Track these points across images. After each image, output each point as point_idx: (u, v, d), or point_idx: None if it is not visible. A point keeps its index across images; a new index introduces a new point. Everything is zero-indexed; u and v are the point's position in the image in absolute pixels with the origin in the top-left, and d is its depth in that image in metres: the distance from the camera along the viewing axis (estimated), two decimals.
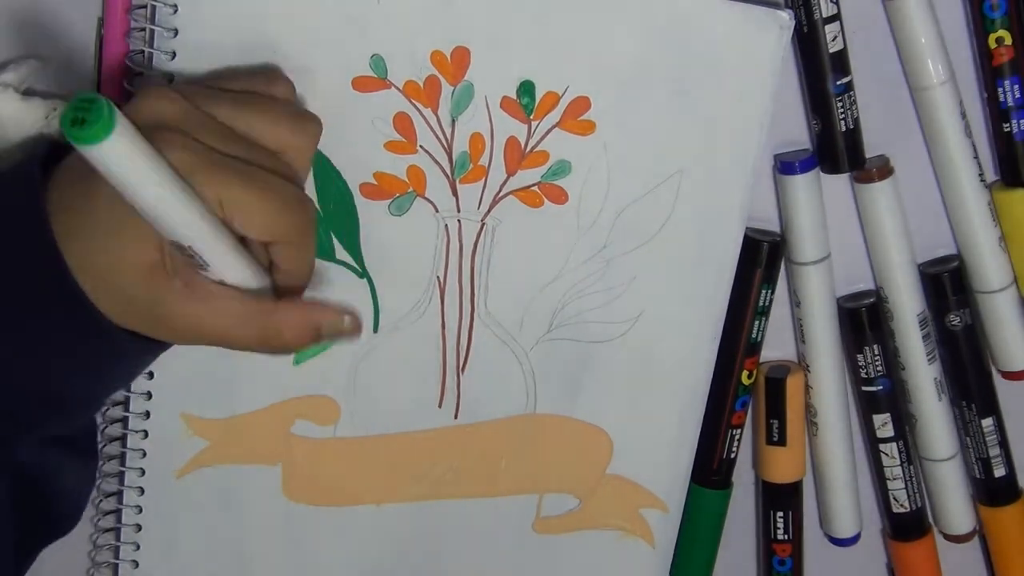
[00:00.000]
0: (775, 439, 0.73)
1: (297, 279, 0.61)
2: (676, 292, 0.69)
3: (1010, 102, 0.67)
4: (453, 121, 0.67)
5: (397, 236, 0.68)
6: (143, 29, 0.65)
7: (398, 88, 0.66)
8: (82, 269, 0.56)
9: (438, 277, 0.69)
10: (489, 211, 0.68)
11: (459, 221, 0.68)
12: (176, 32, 0.65)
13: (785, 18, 0.65)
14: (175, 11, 0.64)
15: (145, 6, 0.65)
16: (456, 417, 0.71)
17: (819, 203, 0.69)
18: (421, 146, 0.67)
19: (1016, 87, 0.67)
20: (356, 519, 0.73)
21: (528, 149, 0.67)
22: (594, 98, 0.66)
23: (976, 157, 0.68)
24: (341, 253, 0.68)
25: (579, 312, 0.70)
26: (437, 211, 0.68)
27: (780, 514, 0.74)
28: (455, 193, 0.68)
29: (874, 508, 0.76)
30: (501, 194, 0.68)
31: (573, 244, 0.68)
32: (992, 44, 0.66)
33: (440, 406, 0.71)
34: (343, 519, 0.73)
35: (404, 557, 0.74)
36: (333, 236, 0.68)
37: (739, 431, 0.73)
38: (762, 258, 0.69)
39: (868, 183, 0.69)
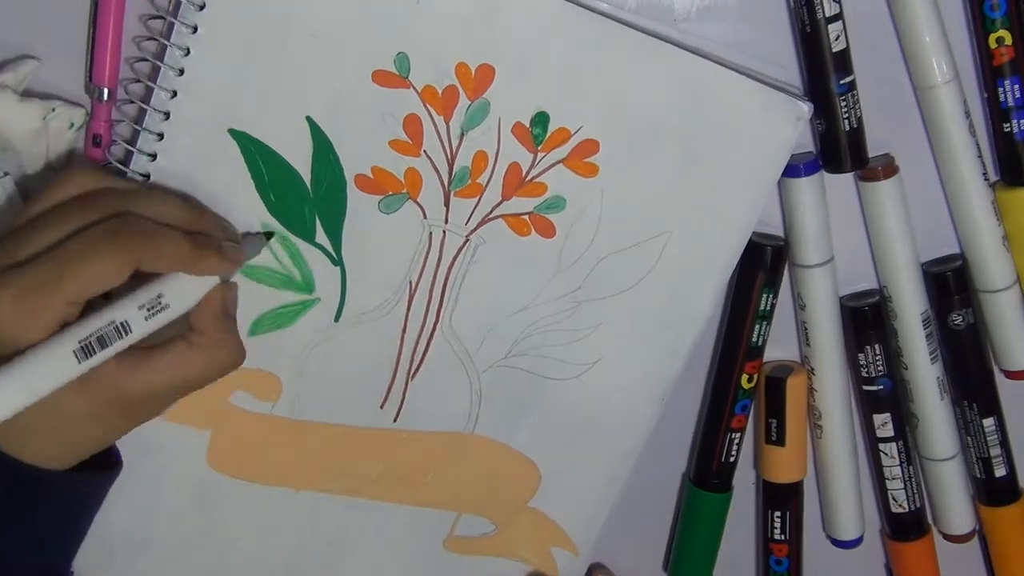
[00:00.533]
0: (773, 439, 0.73)
1: (196, 269, 0.61)
2: (636, 348, 0.70)
3: (1010, 102, 0.67)
4: (462, 134, 0.67)
5: (380, 233, 0.68)
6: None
7: (416, 90, 0.66)
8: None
9: (410, 281, 0.69)
10: (476, 229, 0.68)
11: (444, 232, 0.68)
12: (204, 6, 0.65)
13: (804, 110, 0.66)
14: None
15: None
16: (395, 421, 0.71)
17: (823, 205, 0.69)
18: (425, 151, 0.67)
19: (1016, 87, 0.67)
20: (271, 499, 0.73)
21: (528, 178, 0.68)
22: (603, 143, 0.67)
23: (980, 156, 0.68)
24: (321, 237, 0.68)
25: (539, 346, 0.70)
26: (425, 217, 0.68)
27: (778, 514, 0.75)
28: (447, 204, 0.68)
29: (874, 508, 0.77)
30: (491, 215, 0.68)
31: (549, 279, 0.69)
32: (992, 44, 0.67)
33: (382, 407, 0.71)
34: (257, 495, 0.73)
35: (309, 546, 0.74)
36: (317, 218, 0.67)
37: (739, 435, 0.73)
38: (765, 262, 0.70)
39: (873, 182, 0.69)
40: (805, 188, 0.69)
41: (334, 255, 0.68)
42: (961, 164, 0.68)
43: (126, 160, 0.67)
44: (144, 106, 0.66)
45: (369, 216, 0.68)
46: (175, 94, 0.66)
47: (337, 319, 0.69)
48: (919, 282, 0.71)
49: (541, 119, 0.66)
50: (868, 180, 0.69)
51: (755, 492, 0.77)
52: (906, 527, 0.75)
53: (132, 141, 0.67)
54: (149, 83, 0.66)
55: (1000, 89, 0.67)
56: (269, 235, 0.67)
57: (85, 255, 0.57)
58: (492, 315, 0.70)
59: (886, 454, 0.73)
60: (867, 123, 0.68)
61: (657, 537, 0.78)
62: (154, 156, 0.66)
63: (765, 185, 0.68)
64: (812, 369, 0.72)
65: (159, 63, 0.66)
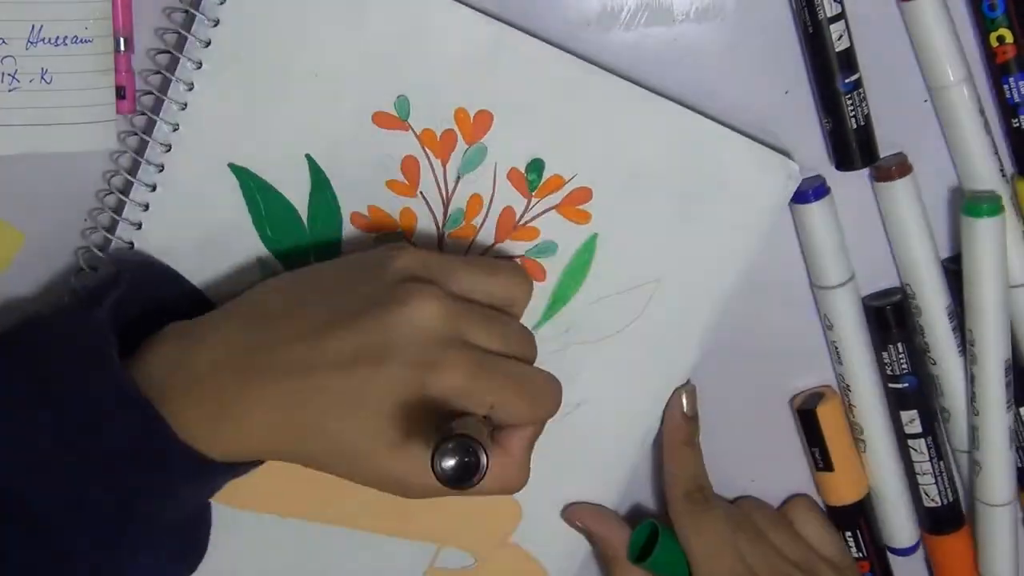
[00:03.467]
0: (821, 466, 0.74)
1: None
2: (620, 393, 0.71)
3: (1016, 98, 0.67)
4: (458, 177, 0.68)
5: None
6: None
7: (415, 133, 0.67)
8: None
9: None
10: None
11: None
12: (209, 43, 0.66)
13: (795, 169, 0.66)
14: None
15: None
16: None
17: (837, 226, 0.70)
18: (421, 192, 0.68)
19: (1021, 83, 0.67)
20: (259, 524, 0.74)
21: (520, 222, 0.68)
22: (596, 191, 0.68)
23: (996, 153, 0.68)
24: None
25: None
26: None
27: (849, 534, 0.76)
28: (441, 245, 0.69)
29: None
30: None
31: (538, 322, 0.70)
32: (994, 43, 0.67)
33: None
34: (244, 521, 0.74)
35: (292, 572, 0.75)
36: (312, 254, 0.69)
37: None
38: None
39: (888, 181, 0.69)
40: (816, 212, 0.69)
41: None
42: (976, 162, 0.68)
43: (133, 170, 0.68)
44: (154, 117, 0.67)
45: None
46: (177, 127, 0.67)
47: None
48: (941, 278, 0.70)
49: (536, 166, 0.67)
50: (883, 180, 0.69)
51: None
52: (940, 521, 0.75)
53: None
54: (152, 115, 0.67)
55: (1006, 86, 0.67)
56: None
57: (533, 399, 0.62)
58: None
59: (915, 450, 0.73)
60: (879, 122, 0.68)
61: None
62: (153, 187, 0.68)
63: (755, 240, 0.68)
64: (848, 386, 0.72)
65: (163, 96, 0.67)
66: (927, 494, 0.74)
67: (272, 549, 0.74)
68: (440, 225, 0.68)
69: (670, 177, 0.67)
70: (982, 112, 0.67)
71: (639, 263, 0.69)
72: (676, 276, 0.69)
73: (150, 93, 0.68)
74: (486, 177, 0.68)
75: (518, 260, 0.69)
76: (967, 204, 0.68)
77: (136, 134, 0.68)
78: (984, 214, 0.67)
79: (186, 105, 0.67)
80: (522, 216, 0.68)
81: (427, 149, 0.67)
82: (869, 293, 0.72)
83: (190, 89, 0.67)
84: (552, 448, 0.71)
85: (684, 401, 0.71)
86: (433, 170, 0.68)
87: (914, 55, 0.68)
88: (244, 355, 0.59)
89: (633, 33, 0.68)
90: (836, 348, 0.72)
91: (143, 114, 0.68)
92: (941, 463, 0.74)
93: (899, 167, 0.69)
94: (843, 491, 0.75)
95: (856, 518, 0.75)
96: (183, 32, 0.66)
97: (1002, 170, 0.69)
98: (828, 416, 0.73)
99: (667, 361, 0.70)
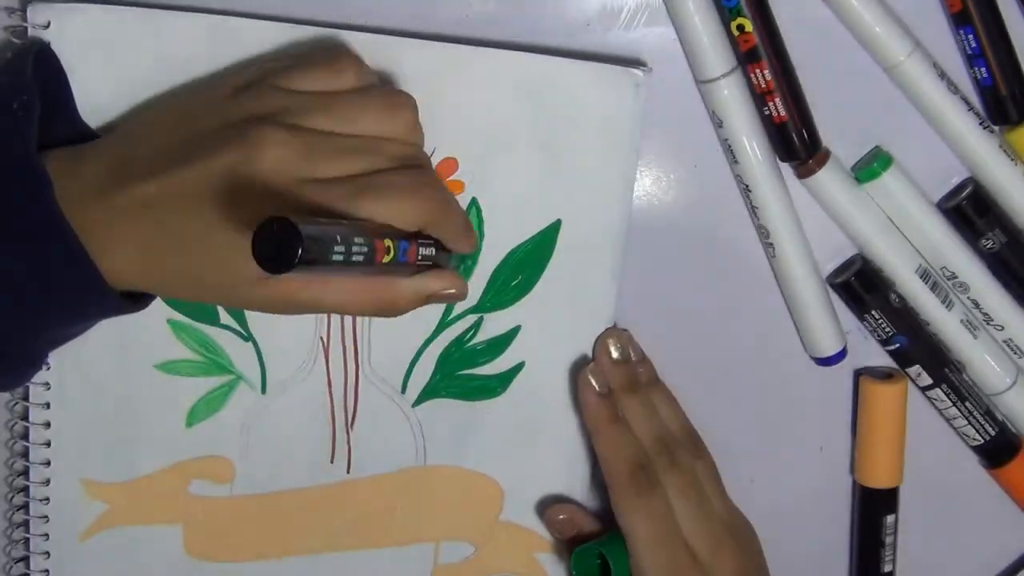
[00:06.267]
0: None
1: (456, 247, 0.65)
2: (555, 339, 0.70)
3: (968, 51, 0.68)
4: None
5: None
6: None
7: None
8: (177, 277, 0.60)
9: (321, 337, 0.71)
10: None
11: None
12: None
13: (639, 75, 0.66)
14: None
15: None
16: (348, 471, 0.72)
17: (712, 12, 0.66)
18: None
19: (971, 36, 0.68)
20: (258, 573, 0.74)
21: None
22: (461, 159, 0.68)
23: (971, 109, 0.68)
24: (226, 318, 0.70)
25: (462, 367, 0.71)
26: None
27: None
28: None
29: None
30: None
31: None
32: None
33: (332, 461, 0.72)
34: (245, 573, 0.74)
35: None
36: None
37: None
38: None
39: (810, 176, 0.69)
40: None
41: (243, 332, 0.70)
42: (956, 121, 0.68)
43: None
44: None
45: None
46: None
47: (264, 391, 0.71)
48: (901, 242, 0.70)
49: None
50: (804, 177, 0.69)
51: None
52: (992, 454, 0.74)
53: None
54: None
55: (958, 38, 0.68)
56: None
57: (393, 195, 0.59)
58: (408, 347, 0.71)
59: (936, 400, 0.72)
60: (852, 111, 0.69)
61: None
62: None
63: (629, 157, 0.68)
64: (747, 186, 0.69)
65: None
66: (967, 435, 0.73)
67: None
68: None
69: (523, 122, 0.67)
70: (943, 76, 0.68)
71: (529, 212, 0.69)
72: (572, 213, 0.69)
73: None
74: None
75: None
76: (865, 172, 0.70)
77: None
78: (882, 169, 0.69)
79: None
80: None
81: None
82: (830, 271, 0.72)
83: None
84: (510, 415, 0.71)
85: (612, 347, 0.70)
86: None
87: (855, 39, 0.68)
88: (108, 193, 0.59)
89: (633, 33, 0.68)
90: (730, 146, 0.68)
91: None
92: (967, 404, 0.72)
93: (818, 159, 0.69)
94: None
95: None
96: None
97: (983, 123, 0.68)
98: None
99: (589, 295, 0.70)
